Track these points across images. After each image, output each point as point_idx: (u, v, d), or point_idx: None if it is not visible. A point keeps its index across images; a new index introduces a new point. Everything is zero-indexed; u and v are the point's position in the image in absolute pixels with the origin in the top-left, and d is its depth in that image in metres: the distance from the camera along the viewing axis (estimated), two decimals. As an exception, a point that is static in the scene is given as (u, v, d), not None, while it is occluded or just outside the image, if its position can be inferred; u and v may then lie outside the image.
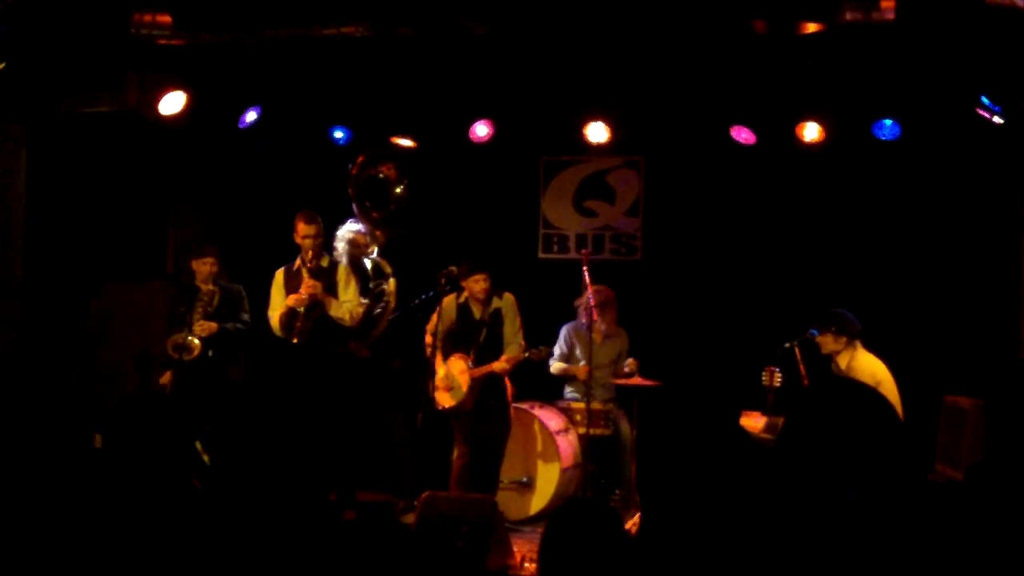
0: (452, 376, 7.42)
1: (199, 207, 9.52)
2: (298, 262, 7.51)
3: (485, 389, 7.41)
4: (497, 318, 7.45)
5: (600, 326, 8.06)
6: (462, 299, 7.48)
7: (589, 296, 7.89)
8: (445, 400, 7.40)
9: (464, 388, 7.37)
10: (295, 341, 7.37)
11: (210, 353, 7.76)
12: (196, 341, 7.72)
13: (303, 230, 7.44)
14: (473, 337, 7.44)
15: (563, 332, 8.50)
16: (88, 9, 7.41)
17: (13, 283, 7.91)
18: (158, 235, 9.29)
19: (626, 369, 8.11)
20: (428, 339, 7.51)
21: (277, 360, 7.63)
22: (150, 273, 9.07)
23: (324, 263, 7.57)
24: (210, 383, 7.73)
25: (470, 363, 7.40)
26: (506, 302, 7.48)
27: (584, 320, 8.24)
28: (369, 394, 7.97)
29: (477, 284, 7.35)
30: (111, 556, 2.80)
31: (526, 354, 7.37)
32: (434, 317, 7.46)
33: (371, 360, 7.97)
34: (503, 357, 7.38)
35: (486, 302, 7.43)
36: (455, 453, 7.49)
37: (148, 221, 9.17)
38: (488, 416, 7.44)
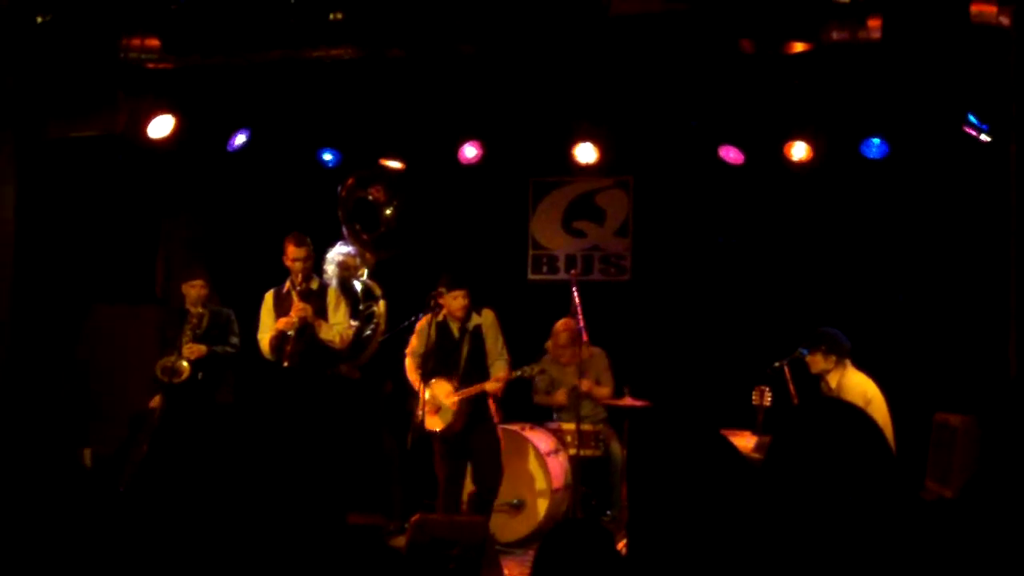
0: (437, 398, 7.30)
1: (188, 230, 9.50)
2: (288, 285, 7.49)
3: (472, 408, 7.34)
4: (478, 335, 7.34)
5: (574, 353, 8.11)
6: (440, 317, 7.33)
7: (579, 317, 7.86)
8: (434, 424, 7.29)
9: (453, 409, 7.29)
10: (285, 364, 7.34)
11: (200, 376, 7.75)
12: (185, 364, 7.71)
13: (293, 253, 7.42)
14: (454, 356, 7.33)
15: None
16: (77, 33, 7.42)
17: (1, 306, 7.88)
18: (147, 258, 9.27)
19: (583, 389, 8.00)
20: (408, 362, 7.46)
21: (267, 383, 7.61)
22: (139, 296, 9.05)
23: (314, 286, 7.54)
24: (199, 406, 7.71)
25: (456, 384, 7.30)
26: (485, 319, 7.36)
27: (555, 356, 8.34)
28: (359, 416, 7.94)
29: (456, 301, 7.24)
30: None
31: (517, 372, 7.33)
32: (412, 340, 7.43)
33: (361, 382, 7.94)
34: (495, 376, 7.30)
35: (464, 319, 7.32)
36: (441, 475, 7.42)
37: (137, 244, 9.15)
38: (476, 434, 7.34)
